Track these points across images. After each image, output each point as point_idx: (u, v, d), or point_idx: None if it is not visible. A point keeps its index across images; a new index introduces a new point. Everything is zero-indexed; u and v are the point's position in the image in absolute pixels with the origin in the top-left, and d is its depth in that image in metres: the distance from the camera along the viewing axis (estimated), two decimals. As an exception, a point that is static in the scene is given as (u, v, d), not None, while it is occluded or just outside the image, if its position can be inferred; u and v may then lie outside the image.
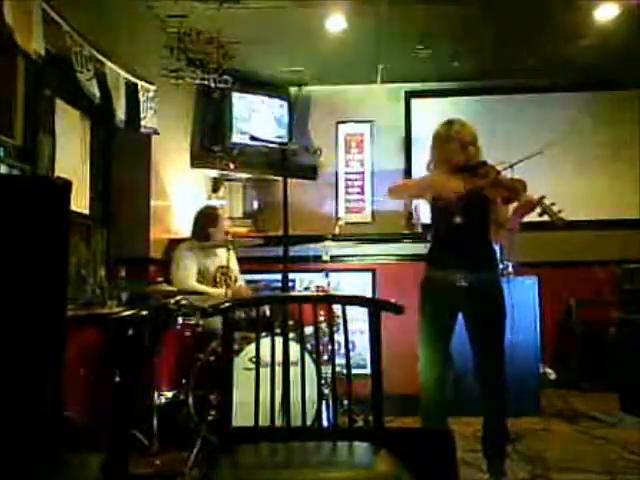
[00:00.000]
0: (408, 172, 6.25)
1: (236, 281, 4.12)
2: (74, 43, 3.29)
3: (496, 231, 2.89)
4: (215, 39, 5.05)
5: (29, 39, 2.80)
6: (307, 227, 4.78)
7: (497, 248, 3.03)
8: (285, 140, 5.70)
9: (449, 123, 2.93)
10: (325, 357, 3.58)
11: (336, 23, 4.91)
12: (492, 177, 2.75)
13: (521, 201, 2.69)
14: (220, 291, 3.83)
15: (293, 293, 4.07)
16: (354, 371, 1.93)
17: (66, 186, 1.39)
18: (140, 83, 4.18)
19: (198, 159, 5.74)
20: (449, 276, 2.87)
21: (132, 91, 4.08)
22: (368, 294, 4.70)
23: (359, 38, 5.16)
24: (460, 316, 2.94)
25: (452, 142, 2.87)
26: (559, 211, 2.61)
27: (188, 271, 3.93)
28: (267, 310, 3.41)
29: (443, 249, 2.95)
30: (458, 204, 2.82)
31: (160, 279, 3.62)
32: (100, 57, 3.61)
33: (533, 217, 2.74)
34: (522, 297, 4.31)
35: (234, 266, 4.16)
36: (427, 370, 2.91)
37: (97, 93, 3.45)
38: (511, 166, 2.84)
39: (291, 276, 3.62)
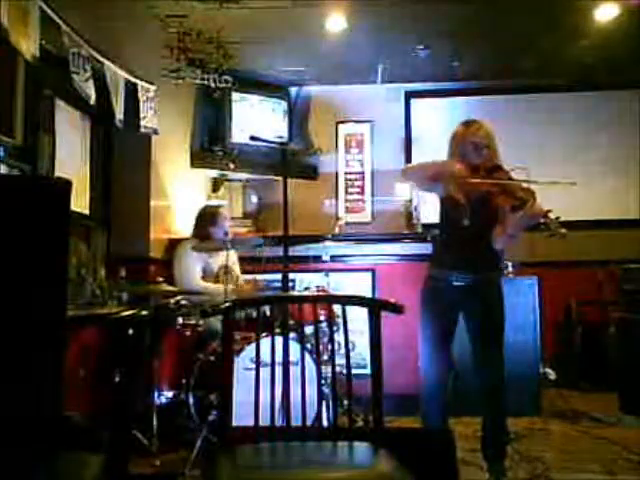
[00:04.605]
0: (408, 172, 6.24)
1: (237, 280, 4.13)
2: (72, 43, 3.29)
3: (497, 235, 2.88)
4: (215, 39, 5.05)
5: (24, 40, 2.79)
6: (307, 227, 4.77)
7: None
8: (285, 140, 5.69)
9: (466, 123, 2.92)
10: (325, 357, 3.58)
11: (336, 23, 4.90)
12: (503, 184, 2.75)
13: (528, 211, 2.68)
14: (222, 287, 3.81)
15: (293, 293, 4.07)
16: (354, 371, 1.93)
17: (66, 186, 1.39)
18: (140, 83, 4.18)
19: (198, 159, 5.73)
20: (451, 276, 2.87)
21: (131, 91, 4.08)
22: (368, 294, 4.70)
23: (359, 38, 5.15)
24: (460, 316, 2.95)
25: (467, 142, 2.86)
26: (562, 227, 2.61)
27: (192, 269, 3.93)
28: (267, 310, 3.41)
29: (449, 250, 2.95)
30: (467, 206, 2.83)
31: (160, 279, 3.61)
32: (99, 57, 3.61)
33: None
34: (522, 297, 4.31)
35: (235, 265, 4.17)
36: (428, 370, 2.92)
37: (92, 94, 3.45)
38: (527, 181, 2.81)
39: (291, 276, 3.62)
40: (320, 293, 3.79)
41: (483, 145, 2.86)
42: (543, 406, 4.30)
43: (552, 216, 2.62)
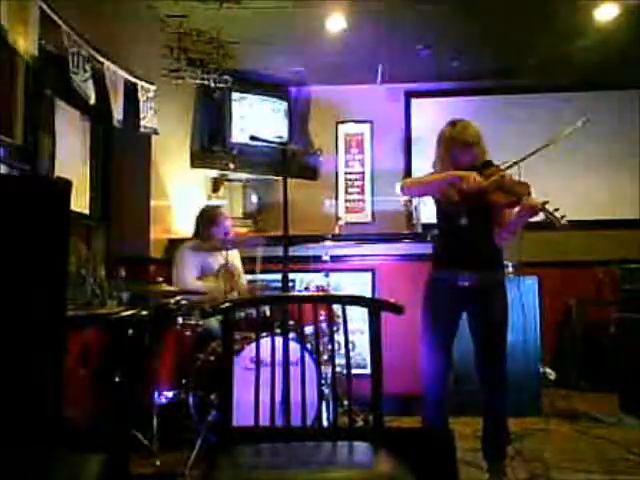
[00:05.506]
0: (408, 172, 6.25)
1: (239, 278, 4.11)
2: (72, 43, 3.29)
3: (498, 233, 2.89)
4: (215, 39, 5.05)
5: (22, 40, 2.79)
6: (307, 227, 4.77)
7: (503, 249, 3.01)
8: (285, 140, 5.70)
9: (453, 123, 2.93)
10: (325, 357, 3.58)
11: (336, 23, 4.91)
12: (496, 179, 2.74)
13: (524, 205, 2.68)
14: (220, 285, 3.81)
15: (293, 293, 4.07)
16: (354, 371, 1.93)
17: (66, 186, 1.39)
18: (140, 83, 4.18)
19: (198, 159, 5.74)
20: (454, 277, 2.87)
21: (132, 91, 4.08)
22: (368, 294, 4.70)
23: (359, 38, 5.15)
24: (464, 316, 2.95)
25: (456, 142, 2.87)
26: (562, 216, 2.60)
27: (188, 268, 3.93)
28: (267, 310, 3.41)
29: (449, 250, 2.95)
30: (464, 205, 2.82)
31: (160, 279, 3.61)
32: (99, 57, 3.61)
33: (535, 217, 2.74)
34: (522, 297, 4.30)
35: (237, 264, 4.15)
36: (430, 370, 2.91)
37: (92, 94, 3.45)
38: (516, 163, 2.81)
39: (291, 276, 3.62)
40: (320, 293, 3.78)
41: (472, 144, 2.86)
42: (543, 406, 4.30)
43: (550, 208, 2.62)
